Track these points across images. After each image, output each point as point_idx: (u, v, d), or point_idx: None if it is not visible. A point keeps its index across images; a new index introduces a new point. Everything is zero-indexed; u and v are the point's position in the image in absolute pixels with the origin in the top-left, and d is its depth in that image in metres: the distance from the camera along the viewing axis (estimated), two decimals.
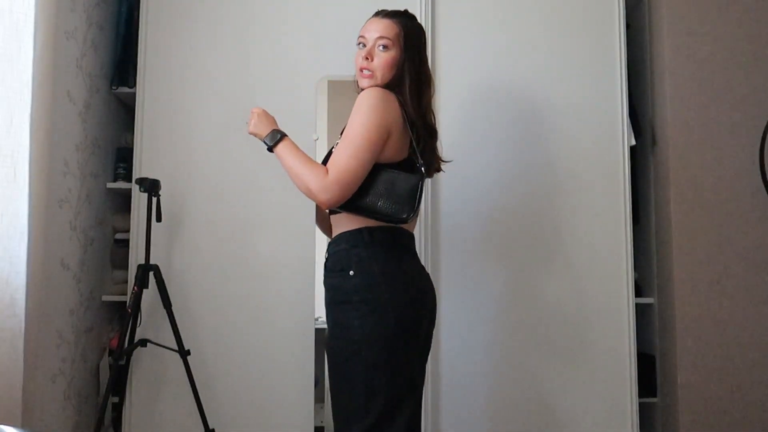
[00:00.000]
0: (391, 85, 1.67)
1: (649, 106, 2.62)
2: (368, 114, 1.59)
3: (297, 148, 1.65)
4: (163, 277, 2.18)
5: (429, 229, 2.41)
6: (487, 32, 2.51)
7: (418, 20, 1.77)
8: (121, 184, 2.51)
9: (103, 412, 2.09)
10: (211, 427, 2.16)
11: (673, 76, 2.51)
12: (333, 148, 1.71)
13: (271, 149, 1.66)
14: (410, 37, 1.69)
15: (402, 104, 1.65)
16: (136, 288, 2.13)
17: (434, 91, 1.77)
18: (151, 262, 2.19)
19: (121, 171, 2.53)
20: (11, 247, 1.72)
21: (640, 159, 2.66)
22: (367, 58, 1.68)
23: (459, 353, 2.38)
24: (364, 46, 1.70)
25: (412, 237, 1.74)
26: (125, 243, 2.41)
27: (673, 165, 2.48)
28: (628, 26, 2.58)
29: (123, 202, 2.59)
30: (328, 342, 1.66)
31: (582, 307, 2.42)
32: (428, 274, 1.76)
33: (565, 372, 2.39)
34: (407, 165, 1.67)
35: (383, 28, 1.69)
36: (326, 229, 1.85)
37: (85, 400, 2.35)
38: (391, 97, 1.64)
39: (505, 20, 2.52)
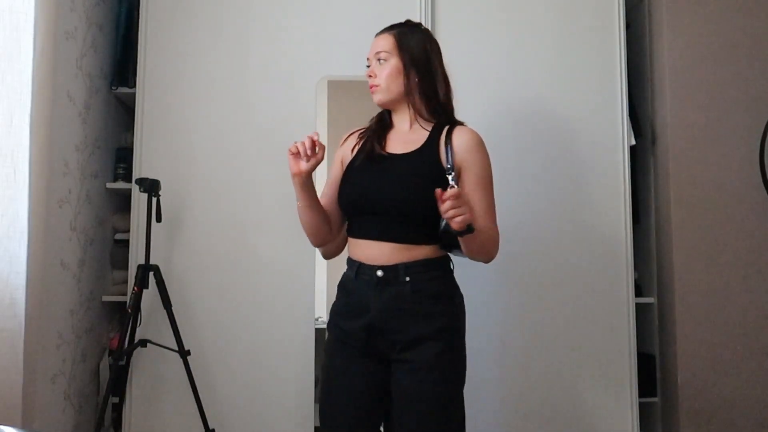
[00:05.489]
0: (403, 93, 1.69)
1: (649, 106, 2.62)
2: (485, 155, 1.68)
3: None
4: (163, 277, 2.18)
5: None
6: (487, 33, 2.51)
7: (423, 26, 1.79)
8: (121, 184, 2.51)
9: (103, 412, 2.09)
10: (211, 427, 2.16)
11: (673, 76, 2.51)
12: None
13: (469, 233, 1.50)
14: (407, 43, 1.70)
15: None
16: (136, 288, 2.13)
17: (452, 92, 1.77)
18: (151, 262, 2.19)
19: (121, 171, 2.53)
20: (11, 247, 1.72)
21: (640, 159, 2.66)
22: (371, 76, 1.72)
23: None
24: (369, 67, 1.74)
25: None
26: (125, 243, 2.41)
27: (673, 165, 2.48)
28: (628, 26, 2.58)
29: (123, 202, 2.59)
30: (439, 372, 1.60)
31: (582, 307, 2.42)
32: None
33: (565, 372, 2.39)
34: None
35: (379, 43, 1.73)
36: (325, 228, 1.77)
37: (85, 400, 2.35)
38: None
39: (505, 21, 2.52)
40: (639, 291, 2.56)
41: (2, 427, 1.17)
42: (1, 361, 1.67)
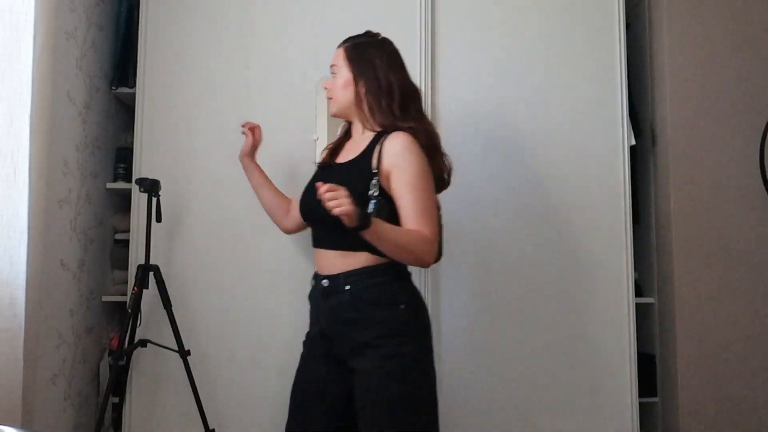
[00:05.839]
0: (353, 104, 1.78)
1: (649, 106, 2.62)
2: (414, 159, 1.68)
3: (382, 221, 1.62)
4: (163, 277, 2.18)
5: None
6: (486, 33, 2.51)
7: (381, 37, 1.86)
8: (121, 184, 2.50)
9: (103, 413, 2.09)
10: (211, 427, 2.16)
11: (673, 76, 2.51)
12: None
13: (362, 229, 1.55)
14: (356, 55, 1.79)
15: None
16: (136, 288, 2.13)
17: (423, 98, 1.85)
18: (151, 262, 2.19)
19: (121, 171, 2.53)
20: (11, 247, 1.71)
21: (640, 159, 2.66)
22: (326, 87, 1.86)
23: (458, 353, 2.38)
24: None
25: None
26: (125, 243, 2.41)
27: (673, 165, 2.48)
28: (628, 26, 2.58)
29: (123, 202, 2.59)
30: (380, 379, 1.64)
31: (582, 307, 2.42)
32: None
33: (564, 371, 2.39)
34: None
35: (333, 57, 1.84)
36: (279, 213, 2.05)
37: (85, 400, 2.35)
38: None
39: (505, 21, 2.52)
40: (639, 291, 2.56)
41: (2, 427, 1.18)
42: (1, 361, 1.67)
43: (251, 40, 2.45)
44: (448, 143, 2.47)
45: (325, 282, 1.72)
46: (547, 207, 2.46)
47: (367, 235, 1.56)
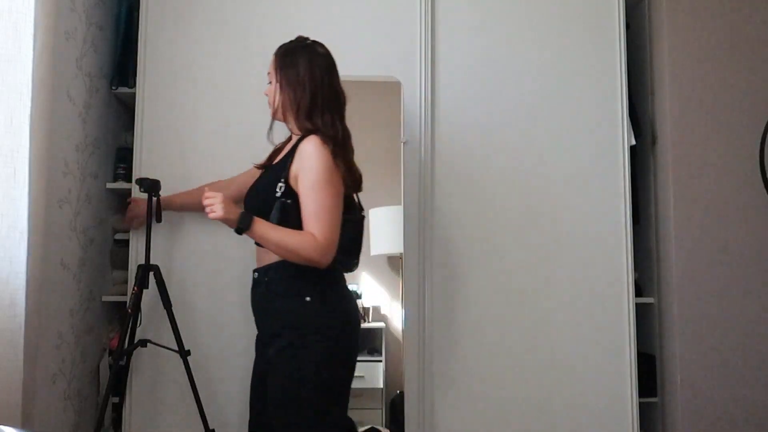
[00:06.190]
0: (282, 110, 1.86)
1: (649, 106, 2.62)
2: (319, 162, 1.73)
3: (267, 222, 1.76)
4: (163, 277, 2.18)
5: (426, 230, 2.41)
6: (487, 32, 2.51)
7: (310, 41, 1.89)
8: (121, 184, 2.50)
9: (103, 412, 2.09)
10: (211, 427, 2.16)
11: (673, 76, 2.51)
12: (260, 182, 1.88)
13: (243, 230, 1.75)
14: (282, 62, 1.85)
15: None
16: (136, 288, 2.13)
17: (344, 101, 1.88)
18: (151, 262, 2.19)
19: (121, 171, 2.52)
20: (11, 247, 1.71)
21: (640, 159, 2.66)
22: (265, 94, 1.93)
23: (457, 353, 2.38)
24: None
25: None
26: (125, 243, 2.41)
27: (673, 165, 2.48)
28: (628, 26, 2.58)
29: (123, 202, 2.59)
30: (275, 368, 1.77)
31: (582, 307, 2.42)
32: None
33: (564, 371, 2.39)
34: (350, 206, 1.84)
35: (269, 65, 1.90)
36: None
37: (85, 400, 2.35)
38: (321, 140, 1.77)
39: (504, 21, 2.52)
40: (639, 291, 2.56)
41: (2, 427, 1.18)
42: (1, 361, 1.67)
43: (253, 39, 2.44)
44: (445, 142, 2.48)
45: (255, 275, 1.88)
46: (546, 207, 2.46)
47: (250, 235, 1.75)
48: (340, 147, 1.77)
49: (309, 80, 1.80)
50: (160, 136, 2.39)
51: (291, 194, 1.76)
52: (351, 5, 2.46)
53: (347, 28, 2.45)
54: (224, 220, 1.75)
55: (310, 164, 1.73)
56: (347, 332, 1.80)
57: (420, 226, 2.40)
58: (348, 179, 1.79)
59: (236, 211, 1.76)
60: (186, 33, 2.44)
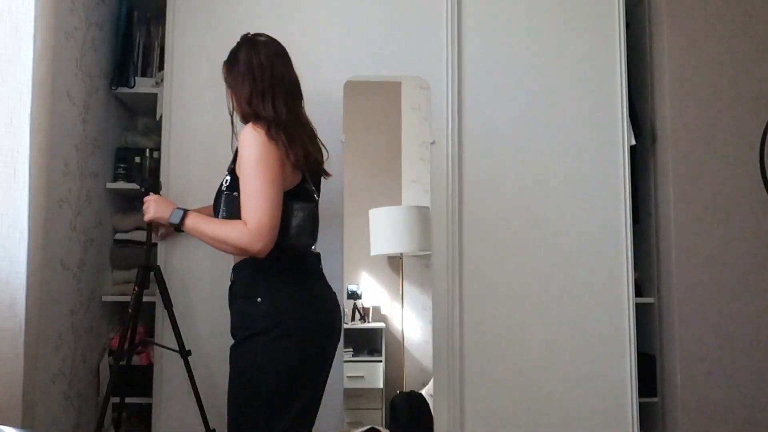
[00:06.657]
0: (237, 109, 1.82)
1: (649, 106, 2.62)
2: (250, 147, 1.67)
3: (203, 215, 1.77)
4: (164, 277, 2.18)
5: (453, 230, 2.41)
6: (487, 32, 2.51)
7: (251, 37, 1.84)
8: (121, 184, 2.50)
9: (104, 413, 2.09)
10: (211, 427, 2.16)
11: (673, 76, 2.51)
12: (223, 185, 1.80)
13: (179, 227, 1.77)
14: (227, 67, 1.83)
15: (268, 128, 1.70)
16: (136, 288, 2.13)
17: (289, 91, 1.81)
18: (152, 262, 2.19)
19: (121, 171, 2.53)
20: (11, 247, 1.71)
21: (640, 159, 2.66)
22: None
23: (461, 353, 2.38)
24: None
25: (318, 257, 1.84)
26: (125, 243, 2.41)
27: (673, 165, 2.48)
28: (628, 26, 2.58)
29: (123, 202, 2.59)
30: (230, 367, 1.74)
31: (582, 307, 2.42)
32: (335, 294, 1.85)
33: (564, 371, 2.39)
34: (302, 192, 1.77)
35: None
36: None
37: (85, 400, 2.35)
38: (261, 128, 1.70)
39: (505, 20, 2.52)
40: (639, 291, 2.56)
41: (2, 427, 1.17)
42: (1, 361, 1.67)
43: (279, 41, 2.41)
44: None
45: (232, 275, 1.83)
46: (547, 206, 2.46)
47: (188, 232, 1.76)
48: (281, 128, 1.68)
49: (247, 71, 1.75)
50: (184, 141, 2.37)
51: (237, 186, 1.70)
52: (378, 7, 2.45)
53: (375, 29, 2.44)
54: (159, 219, 1.84)
55: (243, 151, 1.68)
56: (300, 332, 1.67)
57: (448, 225, 2.40)
58: (295, 161, 1.69)
59: (168, 209, 1.78)
60: (212, 36, 2.39)
